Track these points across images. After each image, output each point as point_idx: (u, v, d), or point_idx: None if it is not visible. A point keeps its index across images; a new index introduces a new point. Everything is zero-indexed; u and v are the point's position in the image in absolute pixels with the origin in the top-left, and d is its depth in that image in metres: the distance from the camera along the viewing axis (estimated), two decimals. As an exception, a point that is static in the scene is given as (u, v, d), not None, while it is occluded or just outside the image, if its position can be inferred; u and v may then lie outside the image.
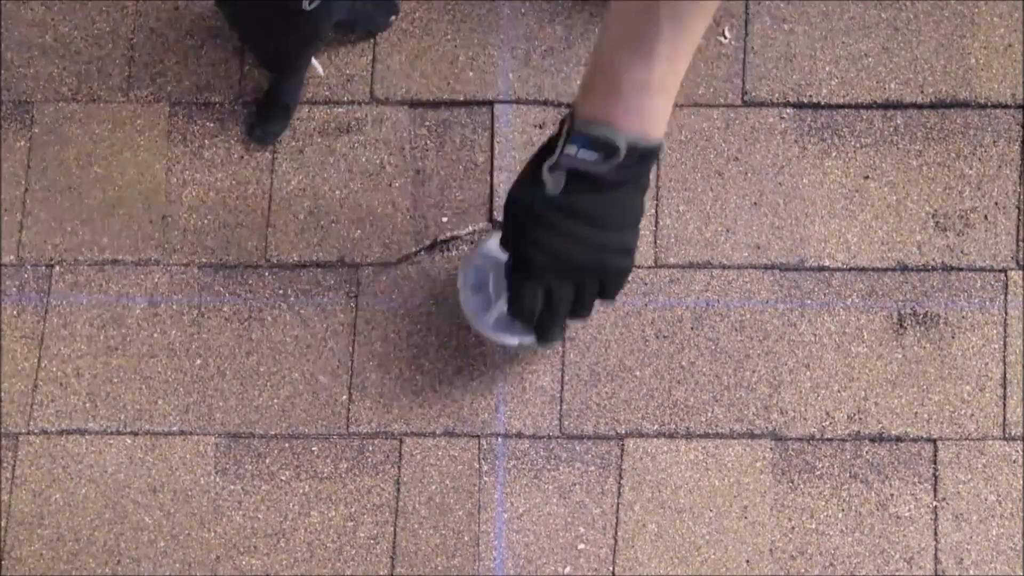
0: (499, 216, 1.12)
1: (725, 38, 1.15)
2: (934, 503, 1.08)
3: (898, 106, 1.14)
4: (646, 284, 1.11)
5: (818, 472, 1.08)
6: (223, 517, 1.09)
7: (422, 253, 1.13)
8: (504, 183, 1.13)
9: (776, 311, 1.11)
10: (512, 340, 1.04)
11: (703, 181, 1.13)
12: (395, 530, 1.08)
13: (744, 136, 1.14)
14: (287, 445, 1.10)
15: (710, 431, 1.09)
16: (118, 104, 1.16)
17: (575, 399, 1.10)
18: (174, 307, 1.13)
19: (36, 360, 1.12)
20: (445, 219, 1.13)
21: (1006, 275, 1.11)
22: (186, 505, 1.09)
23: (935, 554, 1.07)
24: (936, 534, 1.07)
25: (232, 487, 1.09)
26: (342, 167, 1.14)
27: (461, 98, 1.15)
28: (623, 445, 1.09)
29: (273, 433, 1.10)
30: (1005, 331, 1.10)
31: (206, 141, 1.16)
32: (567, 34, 1.16)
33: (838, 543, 1.07)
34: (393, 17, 1.16)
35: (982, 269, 1.11)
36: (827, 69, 1.15)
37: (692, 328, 1.11)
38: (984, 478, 1.08)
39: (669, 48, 0.85)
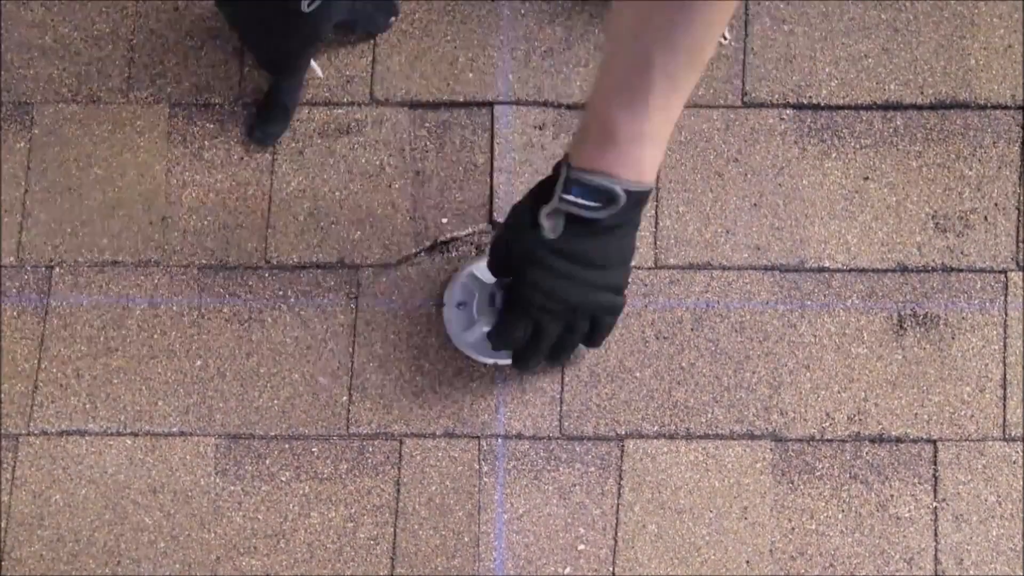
0: (500, 217, 1.12)
1: (725, 39, 1.15)
2: (934, 504, 1.08)
3: (898, 107, 1.14)
4: (646, 285, 1.11)
5: (818, 473, 1.08)
6: (223, 518, 1.09)
7: (422, 254, 1.13)
8: (504, 184, 1.13)
9: (776, 312, 1.11)
10: (489, 360, 1.09)
11: (703, 182, 1.13)
12: (395, 531, 1.08)
13: (744, 137, 1.14)
14: (287, 446, 1.10)
15: (710, 432, 1.09)
16: (118, 105, 1.16)
17: (575, 400, 1.10)
18: (174, 308, 1.13)
19: (36, 361, 1.12)
20: (445, 220, 1.13)
21: (1006, 276, 1.11)
22: (186, 506, 1.09)
23: (935, 555, 1.07)
24: (936, 535, 1.07)
25: (232, 488, 1.09)
26: (342, 168, 1.14)
27: (461, 99, 1.15)
28: (623, 446, 1.09)
29: (273, 434, 1.10)
30: (1005, 332, 1.10)
31: (206, 142, 1.16)
32: (567, 35, 1.16)
33: (838, 544, 1.07)
34: (393, 18, 1.16)
35: (982, 270, 1.11)
36: (827, 70, 1.15)
37: (692, 329, 1.11)
38: (984, 479, 1.08)
39: (662, 101, 0.88)
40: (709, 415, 1.09)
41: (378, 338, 1.11)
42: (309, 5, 1.03)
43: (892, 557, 1.07)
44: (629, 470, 1.09)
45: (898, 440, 1.09)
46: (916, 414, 1.09)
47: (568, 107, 1.15)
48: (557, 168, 0.95)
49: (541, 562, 1.07)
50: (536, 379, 1.10)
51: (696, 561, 1.07)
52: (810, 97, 1.14)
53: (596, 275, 0.97)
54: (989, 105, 1.14)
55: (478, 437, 1.09)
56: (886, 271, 1.12)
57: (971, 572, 1.07)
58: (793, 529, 1.08)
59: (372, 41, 1.16)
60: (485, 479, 1.09)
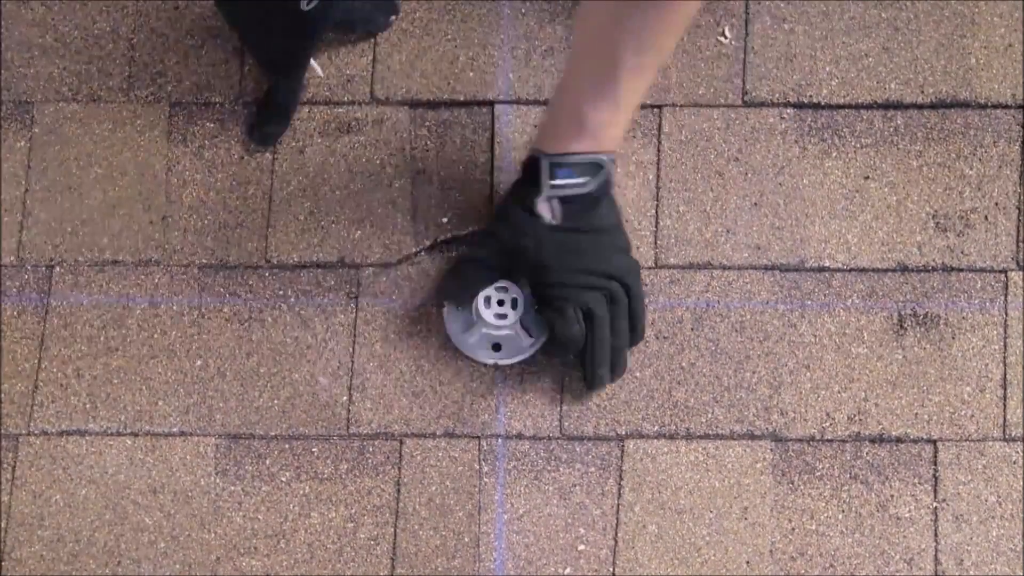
0: (499, 217, 1.12)
1: (725, 38, 1.15)
2: (934, 504, 1.08)
3: (898, 106, 1.14)
4: (646, 285, 1.11)
5: (818, 473, 1.08)
6: (223, 518, 1.09)
7: (422, 253, 1.13)
8: (504, 184, 1.12)
9: (776, 312, 1.11)
10: (489, 360, 1.09)
11: (703, 181, 1.13)
12: (395, 531, 1.08)
13: (744, 136, 1.14)
14: (287, 446, 1.10)
15: (710, 432, 1.09)
16: (118, 104, 1.16)
17: (575, 400, 1.10)
18: (174, 308, 1.13)
19: (36, 361, 1.12)
20: (445, 219, 1.13)
21: (1006, 276, 1.11)
22: (186, 506, 1.09)
23: (935, 555, 1.07)
24: (936, 535, 1.08)
25: (232, 488, 1.09)
26: (342, 167, 1.14)
27: (461, 98, 1.15)
28: (623, 446, 1.09)
29: (273, 434, 1.10)
30: (1005, 332, 1.10)
31: (206, 141, 1.15)
32: (567, 34, 1.16)
33: (838, 544, 1.08)
34: (393, 17, 1.16)
35: (982, 270, 1.11)
36: (827, 69, 1.15)
37: (692, 329, 1.11)
38: (984, 479, 1.08)
39: (631, 93, 0.97)
40: (709, 415, 1.09)
41: (378, 338, 1.11)
42: (309, 4, 1.03)
43: (892, 557, 1.07)
44: (629, 470, 1.09)
45: (898, 440, 1.09)
46: (916, 414, 1.09)
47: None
48: (532, 163, 1.02)
49: (541, 562, 1.07)
50: (536, 379, 1.10)
51: (696, 561, 1.07)
52: (811, 96, 1.14)
53: (604, 239, 1.04)
54: (990, 104, 1.14)
55: (478, 437, 1.09)
56: (886, 271, 1.12)
57: (971, 572, 1.07)
58: (793, 529, 1.08)
59: (372, 40, 1.16)
60: (485, 479, 1.09)
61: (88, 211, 1.14)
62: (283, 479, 1.09)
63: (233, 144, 1.15)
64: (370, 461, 1.09)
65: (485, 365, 1.10)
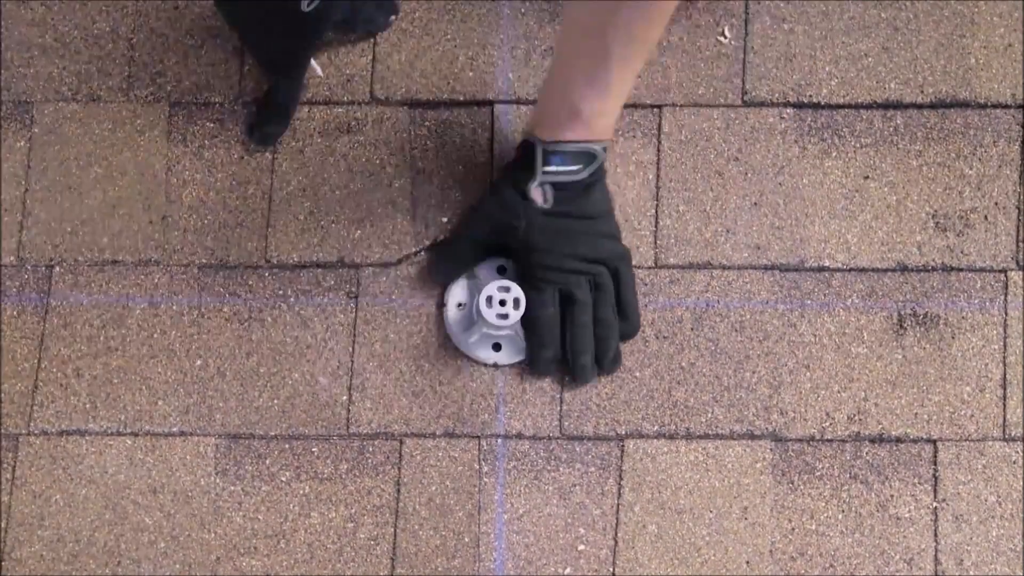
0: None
1: (725, 38, 1.15)
2: (934, 504, 1.08)
3: (898, 106, 1.14)
4: (646, 284, 1.11)
5: (818, 473, 1.09)
6: (223, 518, 1.09)
7: (422, 253, 1.13)
8: (504, 183, 1.12)
9: (776, 312, 1.11)
10: (489, 360, 1.09)
11: (703, 181, 1.13)
12: (395, 531, 1.08)
13: (744, 136, 1.14)
14: (287, 446, 1.10)
15: (710, 432, 1.09)
16: (118, 104, 1.16)
17: (575, 400, 1.10)
18: (174, 308, 1.13)
19: (36, 361, 1.12)
20: (445, 219, 1.13)
21: (1006, 275, 1.11)
22: (186, 506, 1.09)
23: (935, 555, 1.07)
24: (936, 535, 1.08)
25: (232, 488, 1.09)
26: (342, 167, 1.14)
27: (461, 98, 1.15)
28: (623, 446, 1.09)
29: (273, 434, 1.10)
30: (1005, 332, 1.10)
31: (206, 141, 1.15)
32: (567, 34, 1.16)
33: (838, 544, 1.08)
34: (393, 17, 1.16)
35: (982, 269, 1.11)
36: (827, 69, 1.15)
37: (692, 329, 1.11)
38: (984, 479, 1.08)
39: (620, 83, 0.99)
40: (709, 415, 1.09)
41: (378, 338, 1.11)
42: (309, 5, 1.03)
43: (892, 557, 1.07)
44: (629, 470, 1.09)
45: (898, 440, 1.09)
46: (916, 414, 1.09)
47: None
48: (526, 148, 1.05)
49: (541, 562, 1.07)
50: (536, 379, 1.10)
51: (696, 561, 1.07)
52: (810, 96, 1.14)
53: (593, 225, 1.06)
54: (989, 104, 1.14)
55: (478, 437, 1.09)
56: (886, 270, 1.12)
57: (971, 572, 1.07)
58: (793, 529, 1.08)
59: (372, 40, 1.16)
60: (485, 479, 1.09)
61: (88, 211, 1.14)
62: (283, 479, 1.09)
63: (233, 144, 1.15)
64: (370, 461, 1.09)
65: (485, 365, 1.10)
